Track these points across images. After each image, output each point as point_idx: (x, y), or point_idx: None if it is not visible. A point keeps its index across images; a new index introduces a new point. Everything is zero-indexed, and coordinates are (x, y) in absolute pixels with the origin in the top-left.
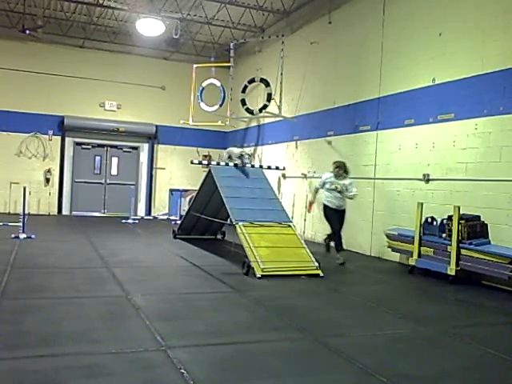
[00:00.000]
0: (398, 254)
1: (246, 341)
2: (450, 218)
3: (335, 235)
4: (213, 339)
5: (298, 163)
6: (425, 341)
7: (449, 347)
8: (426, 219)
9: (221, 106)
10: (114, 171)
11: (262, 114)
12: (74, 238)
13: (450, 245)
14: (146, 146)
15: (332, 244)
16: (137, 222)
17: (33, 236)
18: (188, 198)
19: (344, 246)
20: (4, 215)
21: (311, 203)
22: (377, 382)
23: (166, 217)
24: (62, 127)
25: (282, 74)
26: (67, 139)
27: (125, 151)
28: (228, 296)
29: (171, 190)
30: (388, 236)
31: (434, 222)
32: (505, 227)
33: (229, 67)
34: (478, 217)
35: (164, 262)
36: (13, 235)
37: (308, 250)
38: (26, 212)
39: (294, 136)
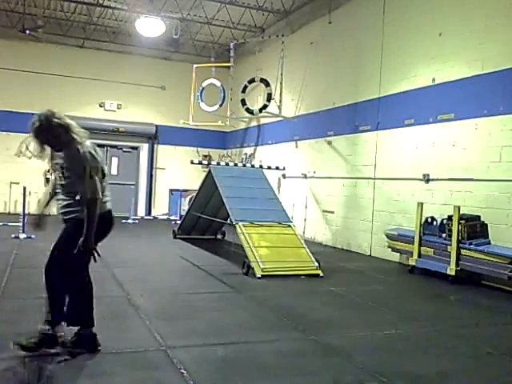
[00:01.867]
0: (398, 254)
1: (246, 341)
2: (450, 218)
3: None
4: (213, 339)
5: (297, 163)
6: (425, 341)
7: (449, 347)
8: (426, 219)
9: (221, 106)
10: (113, 171)
11: (261, 114)
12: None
13: (450, 245)
14: (145, 146)
15: None
16: (137, 222)
17: (33, 236)
18: (188, 198)
19: None
20: (4, 215)
21: None
22: (377, 382)
23: (166, 217)
24: None
25: (281, 74)
26: None
27: (125, 151)
28: (228, 296)
29: (171, 190)
30: (388, 236)
31: (434, 222)
32: (505, 227)
33: (229, 67)
34: (478, 217)
35: (164, 262)
36: (13, 235)
37: (308, 250)
38: (26, 212)
39: (294, 136)
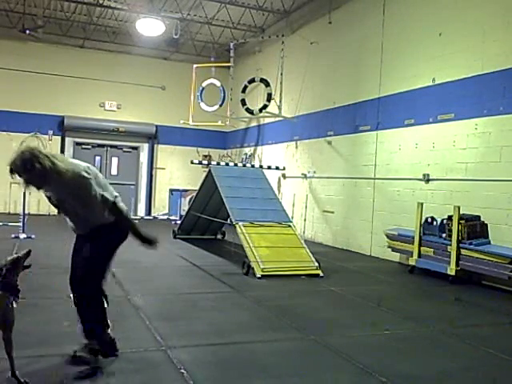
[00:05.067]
0: (398, 254)
1: (246, 341)
2: (450, 217)
3: None
4: (213, 339)
5: (297, 163)
6: (425, 341)
7: (449, 347)
8: (426, 219)
9: (221, 106)
10: (114, 171)
11: (262, 114)
12: (74, 238)
13: (450, 245)
14: (145, 146)
15: None
16: (137, 222)
17: (33, 236)
18: (188, 198)
19: None
20: (4, 215)
21: None
22: (377, 382)
23: (166, 217)
24: (62, 127)
25: (281, 74)
26: (67, 139)
27: (125, 151)
28: (228, 296)
29: (171, 190)
30: (388, 236)
31: (434, 222)
32: (505, 227)
33: (229, 67)
34: (478, 217)
35: (164, 262)
36: (13, 235)
37: (308, 250)
38: (26, 212)
39: (294, 136)
